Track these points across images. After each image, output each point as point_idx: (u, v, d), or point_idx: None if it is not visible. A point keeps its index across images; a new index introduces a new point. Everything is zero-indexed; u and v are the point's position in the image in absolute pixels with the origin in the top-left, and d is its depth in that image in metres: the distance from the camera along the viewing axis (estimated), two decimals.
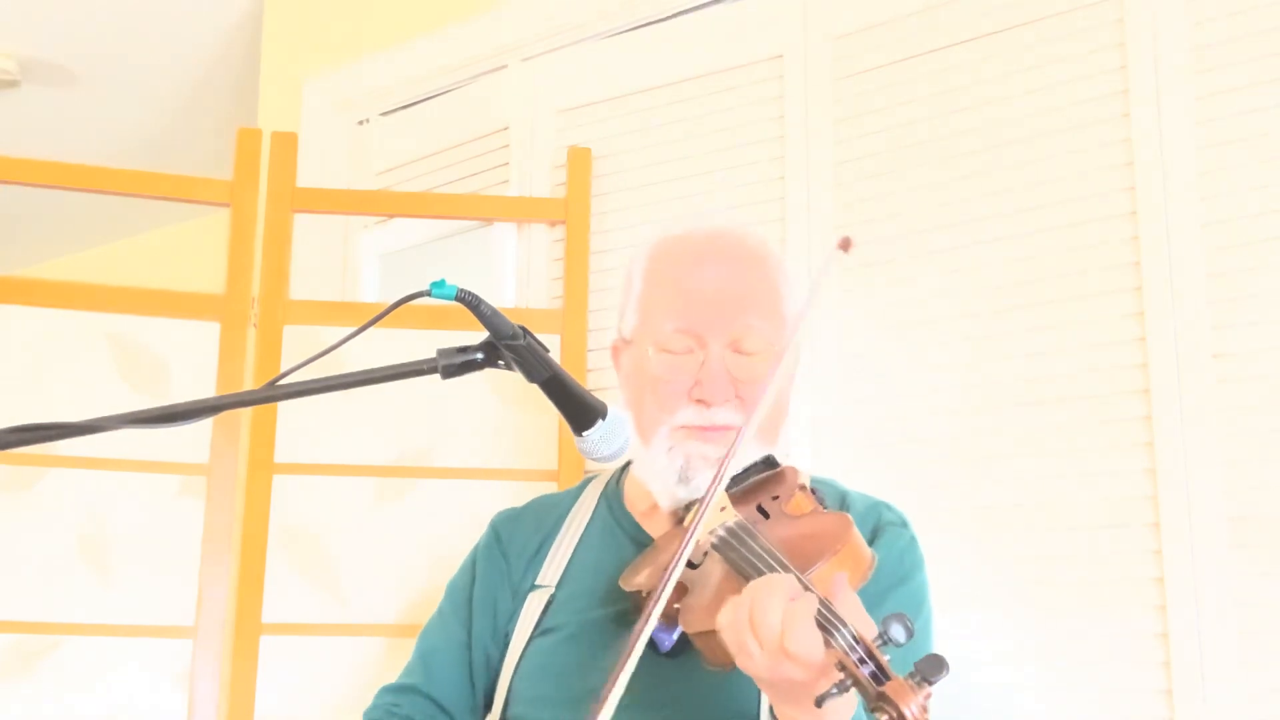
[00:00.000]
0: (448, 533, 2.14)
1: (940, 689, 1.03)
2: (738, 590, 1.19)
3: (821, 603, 1.10)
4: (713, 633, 1.21)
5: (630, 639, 1.14)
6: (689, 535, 1.19)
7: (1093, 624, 1.81)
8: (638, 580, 1.38)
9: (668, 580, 1.19)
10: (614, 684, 1.11)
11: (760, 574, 1.20)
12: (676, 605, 1.31)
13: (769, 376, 1.34)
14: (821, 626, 1.08)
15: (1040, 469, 1.89)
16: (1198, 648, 1.73)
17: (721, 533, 1.31)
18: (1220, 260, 1.80)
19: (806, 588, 1.13)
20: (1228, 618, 1.72)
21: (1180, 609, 1.75)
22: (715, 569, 1.30)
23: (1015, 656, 1.87)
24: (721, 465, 1.24)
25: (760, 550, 1.24)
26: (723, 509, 1.36)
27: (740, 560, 1.25)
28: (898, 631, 1.05)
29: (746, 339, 1.46)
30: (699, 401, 1.44)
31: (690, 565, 1.33)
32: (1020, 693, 1.85)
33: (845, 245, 1.36)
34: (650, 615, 1.15)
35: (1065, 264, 1.92)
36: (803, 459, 2.03)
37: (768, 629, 1.10)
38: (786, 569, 1.19)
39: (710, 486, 1.24)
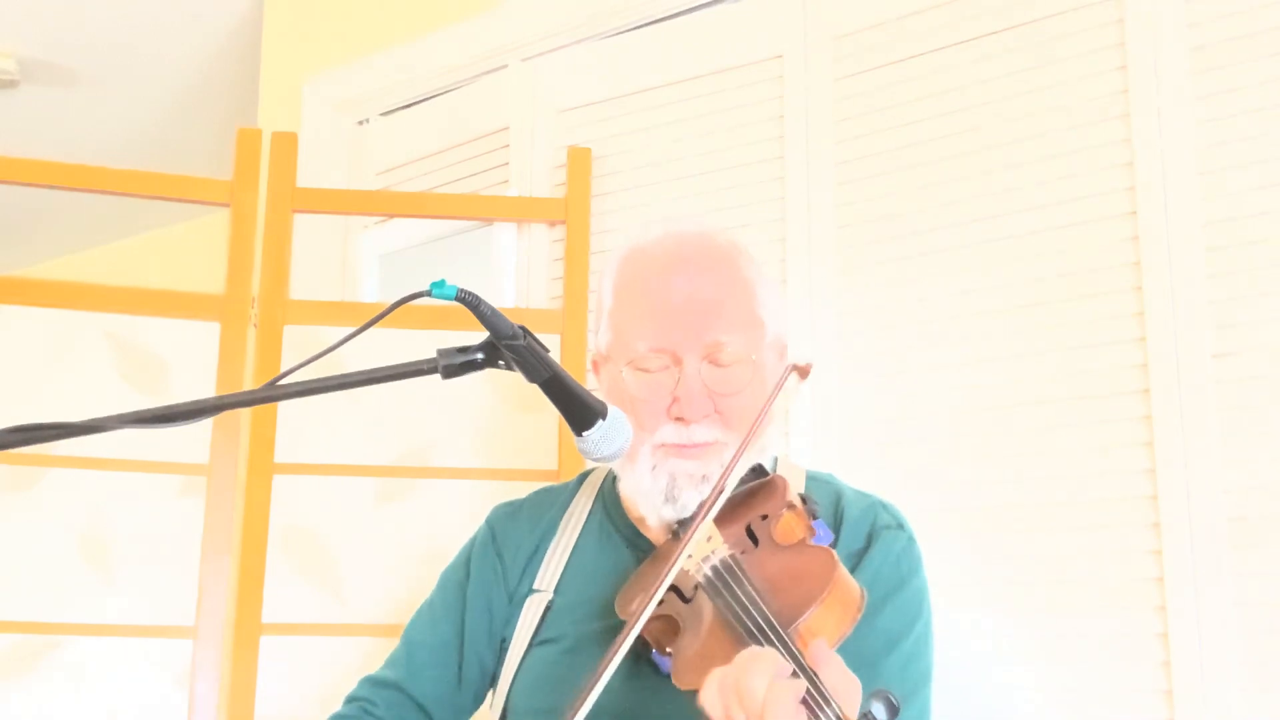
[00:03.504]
0: (448, 533, 2.13)
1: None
2: (726, 642, 1.19)
3: (808, 679, 1.09)
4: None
5: (599, 667, 1.14)
6: (662, 578, 1.18)
7: (1093, 624, 1.81)
8: (631, 608, 1.36)
9: (635, 624, 1.18)
10: (580, 707, 1.11)
11: (746, 628, 1.19)
12: (670, 650, 1.30)
13: (763, 410, 1.31)
14: (806, 705, 1.08)
15: (1040, 469, 1.89)
16: (1198, 648, 1.73)
17: (708, 572, 1.30)
18: (1220, 260, 1.80)
19: (795, 659, 1.13)
20: (1228, 618, 1.72)
21: (1180, 609, 1.74)
22: (705, 609, 1.29)
23: (1015, 656, 1.86)
24: (706, 505, 1.23)
25: (745, 599, 1.23)
26: (709, 538, 1.34)
27: (726, 608, 1.25)
28: (880, 711, 1.05)
29: (722, 351, 1.43)
30: (678, 419, 1.42)
31: (683, 599, 1.32)
32: (1020, 693, 1.85)
33: (804, 373, 1.36)
34: (619, 649, 1.14)
35: (1065, 264, 1.91)
36: (804, 459, 2.02)
37: (751, 702, 1.09)
38: (773, 626, 1.18)
39: (689, 530, 1.23)
